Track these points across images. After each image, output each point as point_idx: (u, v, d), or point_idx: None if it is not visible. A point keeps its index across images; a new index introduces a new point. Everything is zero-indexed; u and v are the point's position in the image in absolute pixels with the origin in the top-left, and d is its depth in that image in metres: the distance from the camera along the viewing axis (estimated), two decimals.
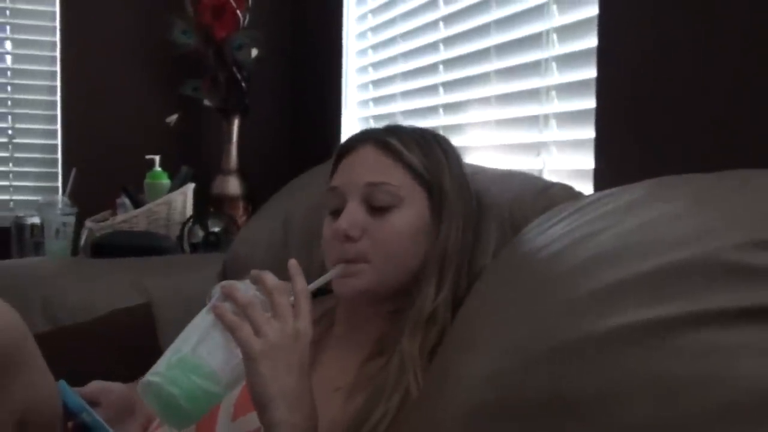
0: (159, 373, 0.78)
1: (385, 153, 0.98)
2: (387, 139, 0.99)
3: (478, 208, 1.04)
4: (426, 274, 0.96)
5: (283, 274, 1.19)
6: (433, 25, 1.90)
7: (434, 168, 0.99)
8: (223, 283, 0.82)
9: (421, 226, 0.97)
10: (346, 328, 1.03)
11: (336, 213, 0.98)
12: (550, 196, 1.09)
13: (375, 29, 2.27)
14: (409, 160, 0.98)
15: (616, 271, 0.62)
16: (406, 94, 2.05)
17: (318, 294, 1.02)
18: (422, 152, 0.99)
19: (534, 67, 1.49)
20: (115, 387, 1.00)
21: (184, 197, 2.24)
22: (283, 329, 0.78)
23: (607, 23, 1.26)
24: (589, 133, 1.30)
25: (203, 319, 0.81)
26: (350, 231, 0.95)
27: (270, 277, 0.81)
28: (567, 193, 1.10)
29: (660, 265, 0.59)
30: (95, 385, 0.98)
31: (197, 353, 0.78)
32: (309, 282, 0.88)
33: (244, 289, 0.81)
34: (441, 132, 1.77)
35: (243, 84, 2.54)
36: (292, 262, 0.84)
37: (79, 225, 2.18)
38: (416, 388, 0.88)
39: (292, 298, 0.82)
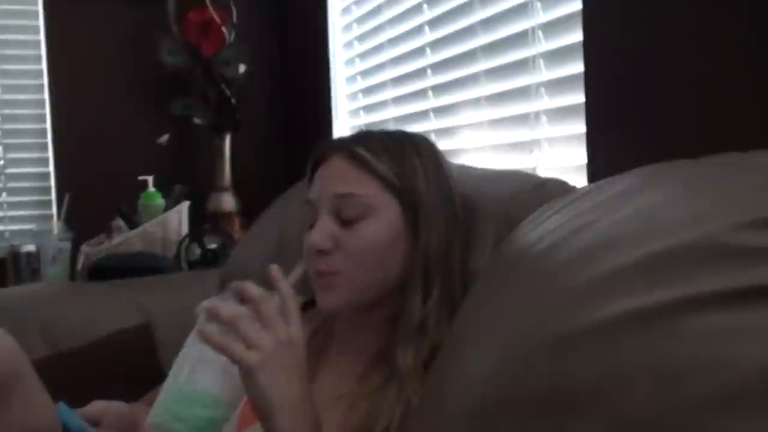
0: (161, 413, 0.78)
1: (352, 163, 0.96)
2: (354, 148, 0.96)
3: (469, 210, 1.02)
4: (411, 284, 0.94)
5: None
6: (418, 29, 1.90)
7: (406, 174, 0.96)
8: (204, 303, 0.80)
9: (394, 234, 0.95)
10: (343, 336, 1.03)
11: (312, 226, 0.98)
12: (545, 192, 1.09)
13: (361, 38, 2.27)
14: (378, 169, 0.95)
15: (611, 260, 0.61)
16: (397, 100, 2.05)
17: (314, 305, 1.02)
18: (392, 159, 0.96)
19: (522, 65, 1.49)
20: (116, 406, 0.99)
21: (179, 216, 2.24)
22: (275, 337, 0.77)
23: (591, 17, 1.26)
24: (580, 127, 1.29)
25: (193, 346, 0.80)
26: (321, 245, 0.94)
27: (252, 288, 0.80)
28: (562, 188, 1.10)
29: (655, 251, 0.58)
30: (97, 405, 0.98)
31: (193, 383, 0.78)
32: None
33: (227, 305, 0.80)
34: (432, 136, 1.78)
35: (232, 100, 2.54)
36: (274, 268, 0.83)
37: (75, 250, 2.18)
38: (416, 399, 0.87)
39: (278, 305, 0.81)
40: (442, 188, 0.98)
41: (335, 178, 0.97)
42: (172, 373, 0.80)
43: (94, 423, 0.92)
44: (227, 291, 0.82)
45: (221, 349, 0.76)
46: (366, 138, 1.00)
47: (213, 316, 0.78)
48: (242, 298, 0.80)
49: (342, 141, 1.01)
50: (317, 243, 0.94)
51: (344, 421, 0.91)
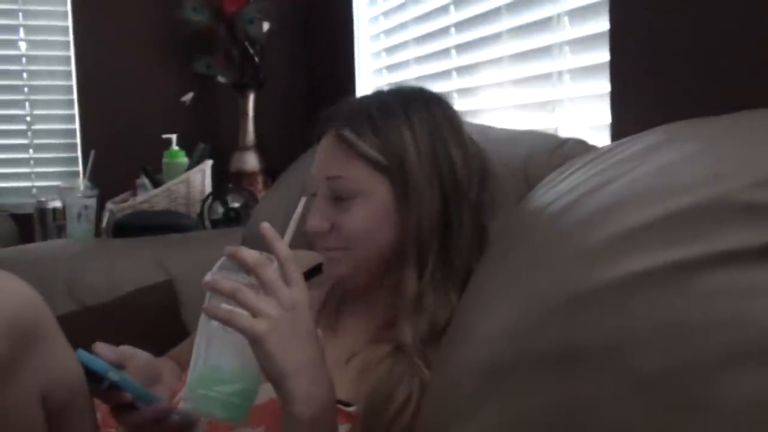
0: (189, 398, 0.79)
1: (339, 145, 0.94)
2: (341, 131, 0.94)
3: (481, 169, 0.99)
4: (405, 260, 0.93)
5: (301, 244, 1.19)
6: None
7: (393, 149, 0.93)
8: (205, 279, 0.79)
9: (386, 211, 0.94)
10: (353, 302, 1.03)
11: (314, 196, 0.98)
12: (564, 152, 1.08)
13: None
14: (363, 150, 0.93)
15: (628, 218, 0.61)
16: (419, 60, 2.03)
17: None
18: (379, 135, 0.93)
19: (546, 23, 1.47)
20: (142, 355, 1.00)
21: (203, 174, 2.25)
22: (279, 302, 0.76)
23: None
24: (604, 86, 1.28)
25: (203, 326, 0.80)
26: (318, 228, 0.95)
27: (248, 253, 0.78)
28: (581, 148, 1.09)
29: (673, 209, 0.58)
30: (124, 349, 0.99)
31: (210, 363, 0.78)
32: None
33: (227, 276, 0.78)
34: (454, 95, 1.77)
35: (256, 58, 2.53)
36: (265, 226, 0.80)
37: (100, 207, 2.20)
38: (422, 374, 0.87)
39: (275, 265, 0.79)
40: (439, 158, 0.94)
41: (326, 160, 0.96)
42: (192, 355, 0.80)
43: (120, 366, 0.93)
44: (226, 259, 0.80)
45: (227, 323, 0.75)
46: (354, 112, 0.97)
47: (213, 290, 0.77)
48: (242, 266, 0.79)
49: (333, 115, 0.98)
50: (315, 227, 0.95)
51: (355, 385, 0.92)
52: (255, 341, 0.75)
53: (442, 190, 0.94)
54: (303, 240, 1.42)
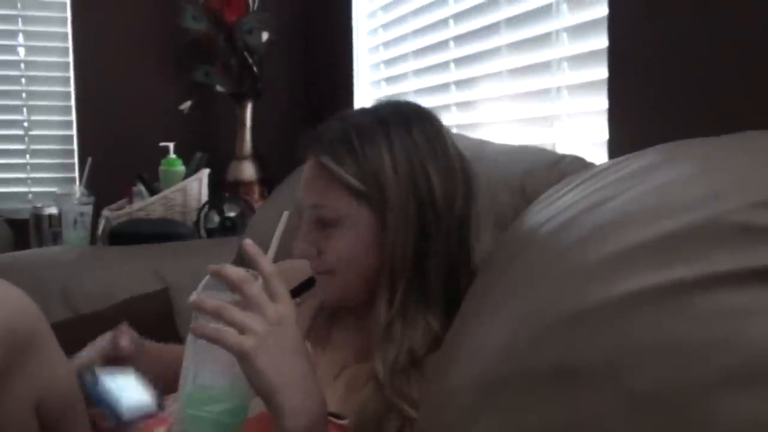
0: (178, 419, 0.78)
1: (320, 173, 0.94)
2: (321, 158, 0.94)
3: (468, 185, 0.97)
4: (378, 287, 0.93)
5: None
6: (442, 1, 1.88)
7: (372, 175, 0.92)
8: (190, 299, 0.78)
9: (368, 239, 0.93)
10: (343, 320, 1.04)
11: (301, 217, 0.99)
12: (562, 168, 1.09)
13: (385, 8, 2.25)
14: (342, 178, 0.92)
15: (625, 237, 0.61)
16: (418, 72, 2.04)
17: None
18: (357, 161, 0.92)
19: (545, 39, 1.47)
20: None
21: (200, 183, 2.25)
22: (264, 318, 0.76)
23: None
24: (602, 103, 1.28)
25: (190, 345, 0.79)
26: (304, 255, 0.96)
27: (232, 270, 0.77)
28: (579, 164, 1.09)
29: (670, 229, 0.58)
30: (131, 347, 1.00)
31: (199, 383, 0.77)
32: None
33: (213, 295, 0.78)
34: (453, 108, 1.77)
35: (255, 68, 2.54)
36: (248, 243, 0.80)
37: (96, 214, 2.20)
38: (399, 401, 0.87)
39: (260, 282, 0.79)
40: (416, 181, 0.92)
41: (308, 187, 0.97)
42: (181, 376, 0.79)
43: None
44: (211, 278, 0.79)
45: (214, 341, 0.74)
46: (333, 139, 0.95)
47: (198, 309, 0.76)
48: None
49: (314, 141, 0.97)
50: (302, 252, 0.96)
51: (343, 401, 0.91)
52: (242, 358, 0.74)
53: (420, 213, 0.92)
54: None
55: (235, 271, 0.77)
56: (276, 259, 0.85)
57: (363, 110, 1.03)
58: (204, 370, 0.78)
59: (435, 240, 0.92)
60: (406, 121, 0.96)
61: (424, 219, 0.92)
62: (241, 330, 0.75)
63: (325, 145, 0.95)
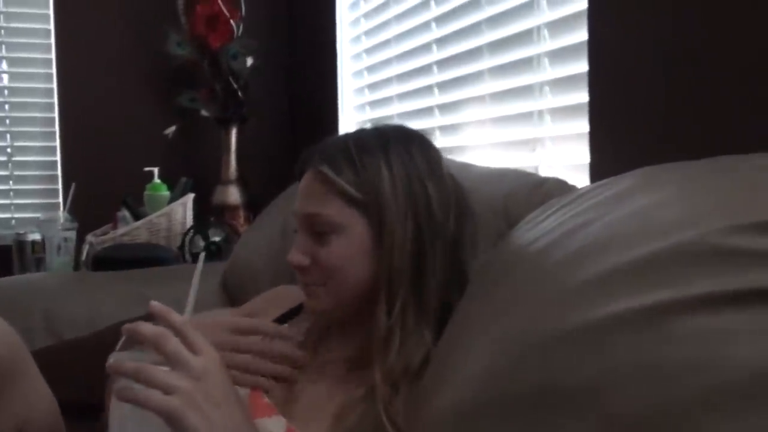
0: None
1: (319, 182, 0.96)
2: (319, 167, 0.96)
3: (465, 207, 0.99)
4: (376, 297, 0.93)
5: (282, 279, 1.20)
6: (425, 26, 1.90)
7: (370, 185, 0.94)
8: (109, 363, 0.75)
9: (363, 248, 0.94)
10: (333, 337, 1.04)
11: (296, 232, 1.00)
12: (544, 191, 1.09)
13: (368, 33, 2.27)
14: (340, 187, 0.94)
15: (605, 261, 0.61)
16: (402, 96, 2.06)
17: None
18: (356, 171, 0.94)
19: (526, 64, 1.49)
20: None
21: (184, 208, 2.25)
22: (187, 372, 0.73)
23: (596, 17, 1.26)
24: (583, 126, 1.30)
25: (115, 411, 0.76)
26: (298, 263, 0.96)
27: (146, 328, 0.74)
28: (561, 187, 1.10)
29: (649, 253, 0.59)
30: None
31: None
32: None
33: (132, 357, 0.75)
34: (437, 132, 1.79)
35: (239, 93, 2.55)
36: (153, 304, 0.76)
37: (80, 240, 2.19)
38: (386, 415, 0.86)
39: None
40: (413, 193, 0.94)
41: (306, 197, 0.98)
42: None
43: None
44: (128, 336, 0.76)
45: (139, 404, 0.72)
46: (333, 150, 0.97)
47: (118, 372, 0.73)
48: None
49: (313, 154, 0.99)
50: (296, 261, 0.96)
51: (333, 426, 0.91)
52: (172, 419, 0.71)
53: (417, 226, 0.94)
54: (287, 273, 1.42)
55: (149, 329, 0.74)
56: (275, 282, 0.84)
57: (361, 129, 1.05)
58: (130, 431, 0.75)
59: (431, 255, 0.94)
60: (404, 139, 0.99)
61: (420, 234, 0.94)
62: (165, 390, 0.72)
63: (324, 156, 0.97)
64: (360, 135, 1.01)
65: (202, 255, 0.88)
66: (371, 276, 0.95)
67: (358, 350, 0.98)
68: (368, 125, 1.05)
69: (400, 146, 0.98)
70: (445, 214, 0.96)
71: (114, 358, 0.74)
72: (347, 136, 1.02)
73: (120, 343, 0.77)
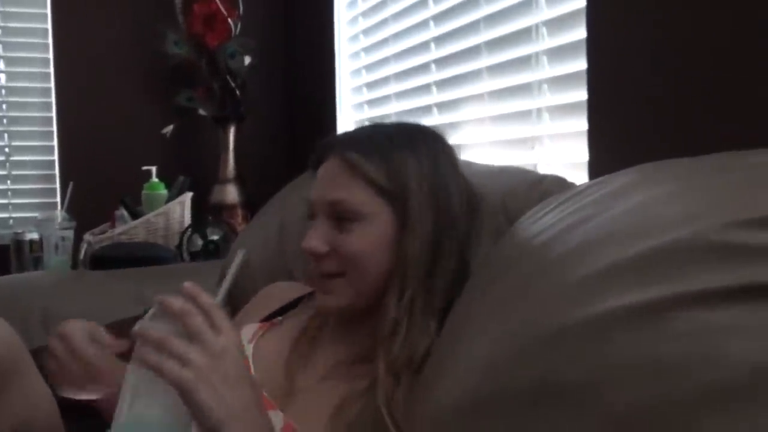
0: None
1: (345, 168, 0.95)
2: (346, 153, 0.96)
3: (475, 206, 1.01)
4: (390, 288, 0.94)
5: (279, 278, 1.19)
6: (423, 24, 1.90)
7: (397, 177, 0.94)
8: (134, 329, 0.77)
9: (387, 238, 0.94)
10: (337, 331, 1.03)
11: (311, 219, 0.99)
12: (543, 188, 1.10)
13: (366, 31, 2.27)
14: (369, 174, 0.94)
15: (604, 256, 0.61)
16: (400, 95, 2.05)
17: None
18: (384, 161, 0.95)
19: (525, 62, 1.49)
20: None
21: (182, 207, 2.24)
22: (206, 349, 0.75)
23: (595, 14, 1.26)
24: (582, 124, 1.30)
25: (130, 375, 0.77)
26: (316, 249, 0.95)
27: (175, 301, 0.76)
28: (560, 184, 1.10)
29: (647, 248, 0.59)
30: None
31: (135, 413, 0.76)
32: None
33: (158, 327, 0.77)
34: None
35: (237, 92, 2.54)
36: (186, 285, 0.78)
37: (78, 239, 2.19)
38: (385, 407, 0.86)
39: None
40: (437, 189, 0.96)
41: (329, 183, 0.97)
42: (118, 403, 0.77)
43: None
44: (158, 306, 0.79)
45: (155, 370, 0.73)
46: (361, 138, 0.99)
47: (143, 338, 0.75)
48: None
49: (338, 141, 1.00)
50: (313, 247, 0.95)
51: (332, 423, 0.91)
52: (184, 391, 0.73)
53: (436, 221, 0.95)
54: (284, 271, 1.42)
55: (177, 303, 0.76)
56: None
57: (383, 124, 1.06)
58: (144, 399, 0.76)
59: (446, 249, 0.94)
60: (428, 137, 1.01)
61: (439, 229, 0.95)
62: (183, 362, 0.73)
63: (351, 143, 0.97)
64: (385, 129, 1.02)
65: (243, 251, 0.90)
66: (389, 267, 0.95)
67: (361, 344, 0.98)
68: (386, 122, 1.05)
69: (425, 143, 0.99)
70: (461, 211, 0.97)
71: (140, 326, 0.76)
72: (371, 129, 1.03)
73: (149, 313, 0.78)
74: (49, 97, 2.67)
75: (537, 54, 1.45)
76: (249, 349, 1.02)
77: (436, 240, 0.94)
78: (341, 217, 0.94)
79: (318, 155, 1.01)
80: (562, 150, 1.41)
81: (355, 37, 2.35)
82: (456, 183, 0.99)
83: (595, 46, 1.26)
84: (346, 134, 1.02)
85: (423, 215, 0.94)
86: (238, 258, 0.89)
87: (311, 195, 0.99)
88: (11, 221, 2.66)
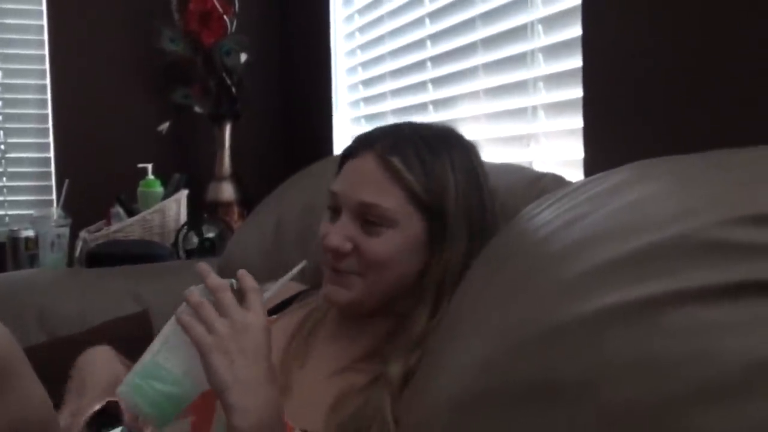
0: (126, 383, 0.82)
1: (384, 171, 0.94)
2: (388, 157, 0.94)
3: (497, 214, 1.00)
4: (422, 298, 0.94)
5: (276, 276, 1.20)
6: (419, 22, 1.90)
7: (436, 189, 0.94)
8: (185, 291, 0.84)
9: (415, 248, 0.94)
10: (338, 327, 1.03)
11: (334, 212, 0.98)
12: (541, 186, 1.10)
13: (362, 29, 2.27)
14: (409, 183, 0.93)
15: (601, 253, 0.62)
16: (396, 92, 2.05)
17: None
18: (424, 172, 0.94)
19: (520, 59, 1.49)
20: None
21: (178, 204, 2.24)
22: (230, 323, 0.80)
23: (590, 12, 1.26)
24: (577, 122, 1.30)
25: (167, 327, 0.85)
26: (339, 247, 0.95)
27: (212, 277, 0.83)
28: (558, 183, 1.11)
29: (644, 245, 0.59)
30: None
31: (156, 359, 0.82)
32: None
33: (204, 293, 0.84)
34: None
35: (233, 89, 2.54)
36: (241, 272, 0.84)
37: (73, 236, 2.18)
38: (391, 416, 0.87)
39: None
40: (472, 203, 0.96)
41: (363, 183, 0.95)
42: (146, 350, 0.84)
43: None
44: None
45: (184, 327, 0.80)
46: (401, 143, 0.96)
47: (187, 300, 0.82)
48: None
49: (377, 140, 0.97)
50: (336, 245, 0.94)
51: (327, 415, 0.91)
52: (202, 352, 0.79)
53: (471, 234, 0.95)
54: (280, 269, 1.42)
55: (213, 278, 0.82)
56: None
57: (418, 124, 1.04)
58: (168, 350, 0.82)
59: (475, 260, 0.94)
60: (463, 144, 1.01)
61: (473, 241, 0.94)
62: (208, 328, 0.79)
63: (391, 145, 0.96)
64: (422, 133, 0.99)
65: (304, 263, 0.92)
66: (414, 276, 0.95)
67: (363, 343, 0.97)
68: (415, 122, 1.04)
69: (462, 152, 0.99)
70: (493, 222, 0.98)
71: (190, 289, 0.83)
72: (411, 131, 1.00)
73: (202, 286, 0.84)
74: (45, 94, 2.66)
75: (533, 51, 1.45)
76: None
77: (468, 253, 0.94)
78: (370, 219, 0.94)
79: (352, 147, 1.00)
80: (557, 147, 1.42)
81: (350, 35, 2.35)
82: (489, 193, 0.99)
83: (590, 44, 1.26)
84: (386, 133, 0.99)
85: (460, 227, 0.94)
86: (299, 266, 0.92)
87: (337, 186, 0.98)
88: (7, 219, 2.65)
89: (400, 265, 0.94)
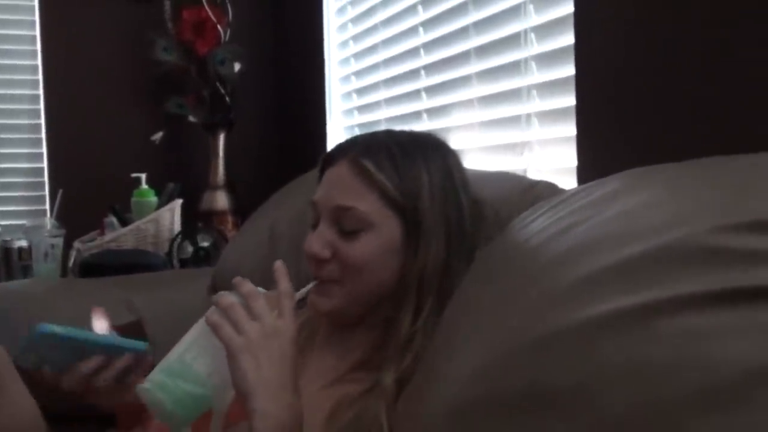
0: (149, 379, 0.83)
1: (357, 175, 0.95)
2: (361, 160, 0.95)
3: (478, 215, 1.00)
4: (404, 300, 0.94)
5: (271, 284, 1.19)
6: (412, 30, 1.90)
7: (410, 189, 0.94)
8: (214, 295, 0.85)
9: (392, 249, 0.95)
10: (329, 336, 1.03)
11: (315, 226, 0.98)
12: (534, 194, 1.10)
13: (356, 38, 2.27)
14: (382, 184, 0.94)
15: (594, 261, 0.62)
16: (390, 101, 2.06)
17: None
18: (398, 173, 0.94)
19: (514, 68, 1.50)
20: None
21: (172, 213, 2.24)
22: (260, 327, 0.81)
23: (582, 20, 1.26)
24: (570, 130, 1.30)
25: (194, 327, 0.86)
26: (318, 254, 0.95)
27: (245, 284, 0.84)
28: (551, 191, 1.11)
29: (636, 253, 0.59)
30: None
31: (183, 358, 0.83)
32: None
33: (234, 297, 0.85)
34: None
35: (227, 98, 2.55)
36: (278, 264, 0.86)
37: (67, 246, 2.18)
38: (386, 424, 0.87)
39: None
40: (449, 203, 0.96)
41: (338, 188, 0.96)
42: (173, 348, 0.85)
43: None
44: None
45: (213, 327, 0.80)
46: (374, 147, 0.97)
47: (216, 303, 0.83)
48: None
49: (351, 146, 0.99)
50: (314, 251, 0.95)
51: (325, 426, 0.91)
52: (230, 354, 0.79)
53: (449, 236, 0.95)
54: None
55: (246, 285, 0.84)
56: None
57: (394, 131, 1.05)
58: (195, 350, 0.83)
59: (457, 264, 0.94)
60: (440, 148, 1.01)
61: (451, 243, 0.95)
62: (238, 330, 0.80)
63: (364, 150, 0.97)
64: (398, 138, 1.01)
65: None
66: (392, 280, 0.95)
67: (355, 352, 0.98)
68: (396, 129, 1.04)
69: (438, 155, 0.99)
70: (472, 225, 0.98)
71: (220, 293, 0.85)
72: (385, 137, 1.01)
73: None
74: (38, 104, 2.66)
75: (526, 60, 1.46)
76: None
77: (449, 255, 0.94)
78: (345, 224, 0.94)
79: (328, 157, 1.01)
80: (550, 155, 1.42)
81: (344, 44, 2.36)
82: (467, 194, 0.99)
83: (583, 52, 1.27)
84: (360, 140, 1.01)
85: (436, 228, 0.94)
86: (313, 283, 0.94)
87: (317, 196, 0.99)
88: (0, 229, 2.64)
89: (379, 268, 0.95)
